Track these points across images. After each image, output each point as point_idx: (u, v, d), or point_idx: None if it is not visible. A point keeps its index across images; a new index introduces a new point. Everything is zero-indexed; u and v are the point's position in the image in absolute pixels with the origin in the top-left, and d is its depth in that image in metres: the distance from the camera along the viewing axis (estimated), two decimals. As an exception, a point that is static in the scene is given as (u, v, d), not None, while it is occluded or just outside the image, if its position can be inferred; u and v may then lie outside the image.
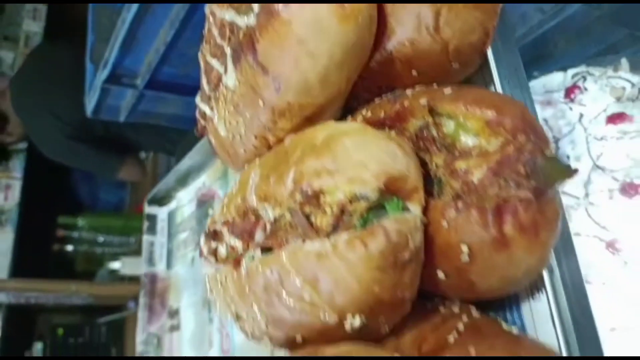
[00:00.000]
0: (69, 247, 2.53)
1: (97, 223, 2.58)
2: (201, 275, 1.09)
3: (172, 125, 1.20)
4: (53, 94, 1.75)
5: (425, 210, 0.42)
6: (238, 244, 0.50)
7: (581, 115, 0.76)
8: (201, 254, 0.58)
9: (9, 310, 2.17)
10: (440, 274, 0.44)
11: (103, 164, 2.01)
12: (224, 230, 0.53)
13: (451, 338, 0.41)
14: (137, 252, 1.89)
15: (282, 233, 0.44)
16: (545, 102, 0.79)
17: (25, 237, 2.31)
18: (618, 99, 0.75)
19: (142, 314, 1.15)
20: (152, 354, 1.12)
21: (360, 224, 0.40)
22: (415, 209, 0.42)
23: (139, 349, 1.13)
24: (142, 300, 1.16)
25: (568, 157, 0.74)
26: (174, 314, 1.12)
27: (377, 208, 0.41)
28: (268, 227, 0.46)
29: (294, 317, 0.44)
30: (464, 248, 0.41)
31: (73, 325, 2.50)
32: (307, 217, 0.42)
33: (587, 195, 0.69)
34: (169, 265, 1.17)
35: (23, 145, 2.37)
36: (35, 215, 2.40)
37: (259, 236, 0.46)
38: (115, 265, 2.54)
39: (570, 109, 0.78)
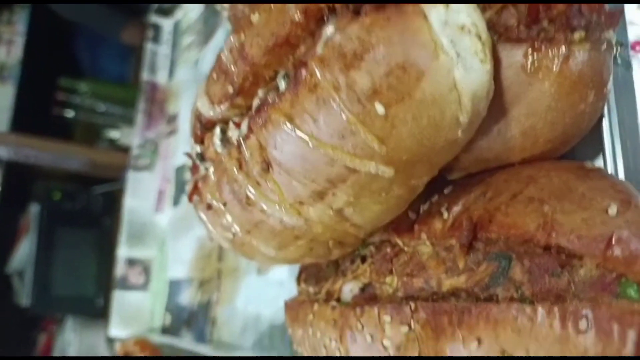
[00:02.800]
0: (69, 113, 2.50)
1: (98, 90, 2.55)
2: (203, 75, 1.07)
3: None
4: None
5: None
6: None
7: None
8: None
9: (7, 169, 2.18)
10: None
11: (109, 20, 1.97)
12: None
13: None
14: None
15: None
16: None
17: (26, 95, 2.28)
18: None
19: (140, 119, 1.14)
20: (147, 158, 1.12)
21: None
22: None
23: (135, 153, 1.13)
24: (141, 105, 1.15)
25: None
26: (172, 119, 1.11)
27: None
28: None
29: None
30: None
31: (70, 191, 2.52)
32: None
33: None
34: (170, 74, 1.15)
35: (28, -3, 2.29)
36: (37, 74, 2.36)
37: None
38: (114, 134, 2.53)
39: None
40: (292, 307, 0.52)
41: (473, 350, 0.31)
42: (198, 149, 0.47)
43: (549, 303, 0.29)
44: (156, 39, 1.16)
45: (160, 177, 1.10)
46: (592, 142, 0.37)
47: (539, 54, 0.33)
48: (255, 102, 0.38)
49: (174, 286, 0.97)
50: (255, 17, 0.37)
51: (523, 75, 0.34)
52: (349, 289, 0.46)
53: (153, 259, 1.06)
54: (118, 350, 0.90)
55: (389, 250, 0.41)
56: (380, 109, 0.30)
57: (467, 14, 0.31)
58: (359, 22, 0.30)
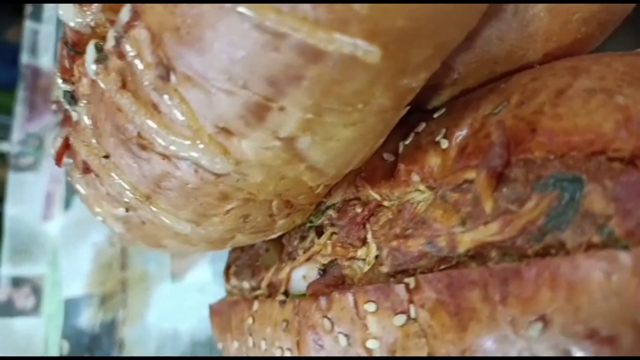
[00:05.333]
0: (-52, 126, 2.18)
1: (-18, 99, 2.24)
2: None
3: None
4: None
5: None
6: None
7: None
8: None
9: None
10: None
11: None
12: None
13: None
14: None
15: None
16: None
17: None
18: None
19: (20, 111, 0.94)
20: (31, 157, 0.93)
21: None
22: None
23: (15, 151, 0.93)
24: (20, 94, 0.95)
25: None
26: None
27: None
28: None
29: None
30: None
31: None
32: None
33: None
34: (56, 57, 0.96)
35: None
36: None
37: None
38: (5, 147, 2.23)
39: None
40: (220, 312, 0.38)
41: (534, 336, 0.18)
42: (67, 87, 0.32)
43: (661, 244, 0.17)
44: (36, 16, 0.97)
45: (48, 177, 0.90)
46: (635, 28, 0.27)
47: None
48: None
49: (71, 306, 0.78)
50: None
51: None
52: (301, 275, 0.32)
53: (44, 277, 0.86)
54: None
55: (359, 210, 0.28)
56: None
57: None
58: None
